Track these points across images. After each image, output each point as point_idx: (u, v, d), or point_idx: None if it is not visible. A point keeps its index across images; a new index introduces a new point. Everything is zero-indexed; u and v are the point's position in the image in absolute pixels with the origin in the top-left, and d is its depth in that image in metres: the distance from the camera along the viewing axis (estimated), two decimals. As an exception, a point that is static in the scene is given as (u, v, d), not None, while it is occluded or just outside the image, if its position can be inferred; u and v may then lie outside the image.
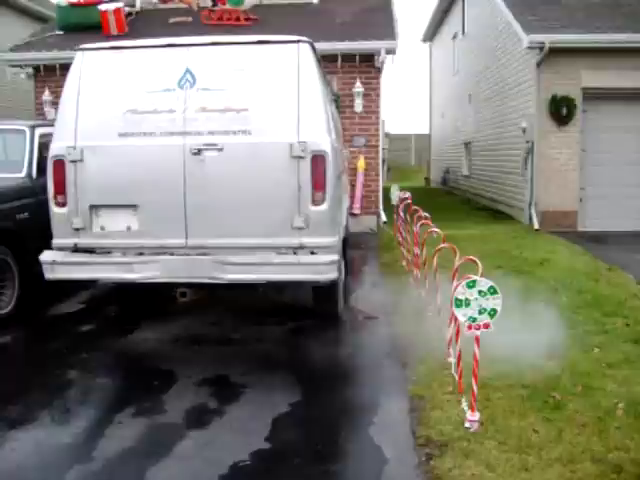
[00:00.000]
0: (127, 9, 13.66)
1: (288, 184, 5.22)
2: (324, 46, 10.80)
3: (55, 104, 10.83)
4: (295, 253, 5.28)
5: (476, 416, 3.97)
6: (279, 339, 6.02)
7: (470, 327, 3.94)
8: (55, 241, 5.50)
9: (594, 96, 12.27)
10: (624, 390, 4.49)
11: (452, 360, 4.78)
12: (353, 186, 11.83)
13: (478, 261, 4.54)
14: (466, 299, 3.90)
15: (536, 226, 12.27)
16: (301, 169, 5.21)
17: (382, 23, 12.71)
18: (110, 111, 5.37)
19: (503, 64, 15.03)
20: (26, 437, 4.09)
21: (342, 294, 6.38)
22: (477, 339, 3.97)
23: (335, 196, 5.45)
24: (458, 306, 3.92)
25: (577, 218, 12.47)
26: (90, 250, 5.45)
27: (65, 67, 6.98)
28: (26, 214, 6.79)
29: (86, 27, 12.89)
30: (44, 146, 6.76)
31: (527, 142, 12.78)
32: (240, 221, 5.25)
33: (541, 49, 11.93)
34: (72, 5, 13.60)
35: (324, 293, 5.99)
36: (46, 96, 12.36)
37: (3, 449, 3.93)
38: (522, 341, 5.05)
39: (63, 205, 5.44)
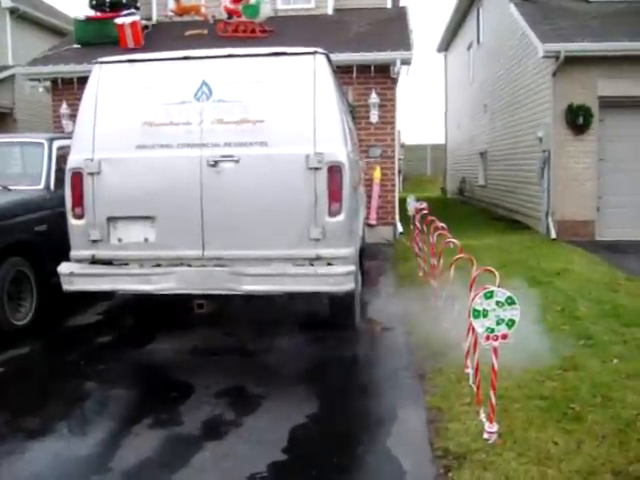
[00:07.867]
0: (143, 22, 13.84)
1: (304, 195, 5.22)
2: (339, 57, 10.88)
3: (73, 117, 10.95)
4: (312, 264, 5.27)
5: (494, 427, 3.93)
6: (295, 350, 6.01)
7: (488, 338, 3.91)
8: (73, 253, 5.53)
9: (611, 105, 12.19)
10: (644, 401, 4.43)
11: (470, 371, 4.75)
12: (369, 197, 11.83)
13: (495, 271, 4.52)
14: (484, 310, 3.87)
15: (553, 236, 12.19)
16: (317, 180, 5.20)
17: (397, 34, 12.76)
18: (127, 123, 5.41)
19: (519, 73, 14.99)
20: (44, 448, 4.10)
21: (359, 305, 6.36)
22: (495, 350, 3.94)
23: (351, 207, 5.44)
24: (476, 317, 3.89)
25: (595, 227, 12.37)
26: (108, 262, 5.47)
27: (82, 80, 7.06)
28: (44, 226, 6.84)
29: (103, 40, 13.06)
30: (62, 158, 6.80)
31: (543, 151, 12.71)
32: (256, 232, 5.25)
33: (557, 58, 11.88)
34: (89, 19, 13.82)
35: (340, 304, 5.97)
36: (64, 109, 12.51)
37: (21, 460, 3.94)
38: (540, 352, 5.01)
39: (81, 217, 5.46)
